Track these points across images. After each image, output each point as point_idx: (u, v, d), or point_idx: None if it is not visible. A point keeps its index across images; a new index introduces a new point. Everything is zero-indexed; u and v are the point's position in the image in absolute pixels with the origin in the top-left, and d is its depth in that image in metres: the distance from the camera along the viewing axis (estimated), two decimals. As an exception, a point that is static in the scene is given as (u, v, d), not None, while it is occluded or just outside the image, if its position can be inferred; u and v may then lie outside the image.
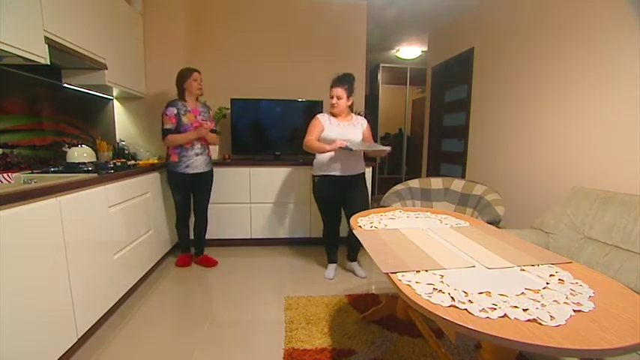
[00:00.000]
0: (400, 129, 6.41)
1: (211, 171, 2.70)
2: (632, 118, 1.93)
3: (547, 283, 1.00)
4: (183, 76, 2.46)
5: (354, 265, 2.56)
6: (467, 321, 0.81)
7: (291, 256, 2.99)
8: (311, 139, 2.29)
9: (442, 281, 1.01)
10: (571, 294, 0.94)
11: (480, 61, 3.45)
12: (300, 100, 3.32)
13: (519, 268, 1.12)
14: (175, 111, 2.42)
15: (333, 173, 2.32)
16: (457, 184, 2.60)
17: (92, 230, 1.73)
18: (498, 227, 1.77)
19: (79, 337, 1.59)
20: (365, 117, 2.53)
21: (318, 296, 2.19)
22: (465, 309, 0.85)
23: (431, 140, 4.56)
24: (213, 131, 2.60)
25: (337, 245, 2.61)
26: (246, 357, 1.64)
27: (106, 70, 2.36)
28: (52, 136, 2.23)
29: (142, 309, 2.07)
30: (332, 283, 2.43)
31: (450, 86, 4.18)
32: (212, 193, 2.77)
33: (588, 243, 1.74)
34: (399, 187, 2.64)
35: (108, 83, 2.40)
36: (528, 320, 0.81)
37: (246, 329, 1.87)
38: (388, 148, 2.23)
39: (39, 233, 1.36)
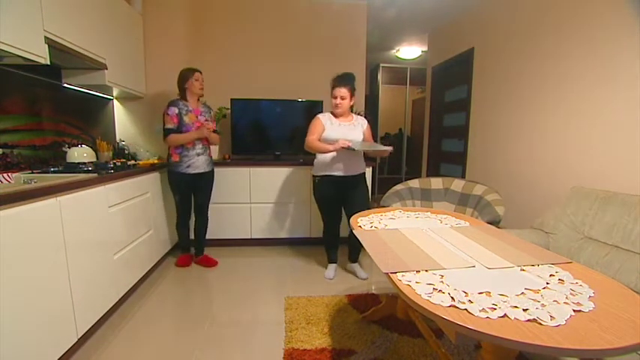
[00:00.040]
0: (400, 129, 6.41)
1: (212, 171, 2.70)
2: (632, 118, 1.93)
3: (547, 283, 1.00)
4: (185, 76, 2.46)
5: (355, 266, 2.56)
6: (467, 321, 0.81)
7: (291, 256, 2.99)
8: (312, 139, 2.29)
9: (442, 281, 1.01)
10: (571, 294, 0.94)
11: (480, 61, 3.45)
12: (300, 100, 3.32)
13: (519, 268, 1.12)
14: (177, 111, 2.42)
15: (335, 173, 2.31)
16: (457, 184, 2.60)
17: (92, 230, 1.73)
18: (498, 227, 1.77)
19: (79, 337, 1.59)
20: (365, 117, 2.53)
21: (318, 296, 2.19)
22: (465, 309, 0.85)
23: (431, 140, 4.56)
24: (214, 131, 2.60)
25: (337, 245, 2.61)
26: (246, 357, 1.64)
27: (106, 70, 2.36)
28: (52, 136, 2.23)
29: (142, 309, 2.07)
30: (332, 283, 2.43)
31: (450, 86, 4.18)
32: (212, 193, 2.77)
33: (588, 243, 1.74)
34: (399, 187, 2.64)
35: (108, 83, 2.40)
36: (528, 320, 0.81)
37: (246, 329, 1.87)
38: (390, 148, 2.22)
39: (39, 233, 1.36)
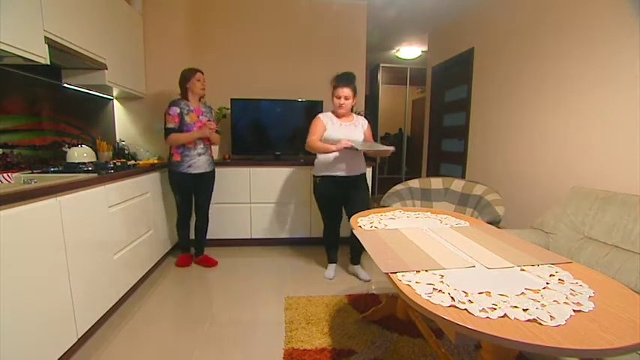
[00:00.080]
0: (400, 129, 6.41)
1: (213, 171, 2.70)
2: (632, 118, 1.93)
3: (547, 283, 1.00)
4: (187, 76, 2.47)
5: (357, 268, 2.54)
6: (467, 321, 0.81)
7: (291, 256, 2.99)
8: (314, 139, 2.28)
9: (442, 281, 1.01)
10: (571, 294, 0.94)
11: (480, 61, 3.45)
12: (300, 100, 3.32)
13: (519, 268, 1.12)
14: (178, 110, 2.42)
15: (337, 174, 2.30)
16: (457, 184, 2.59)
17: (92, 230, 1.73)
18: (498, 227, 1.77)
19: (79, 337, 1.59)
20: (365, 117, 2.53)
21: (318, 296, 2.19)
22: (465, 309, 0.85)
23: (431, 140, 4.56)
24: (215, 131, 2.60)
25: (337, 245, 2.61)
26: (246, 357, 1.64)
27: (106, 70, 2.36)
28: (52, 136, 2.23)
29: (142, 309, 2.07)
30: (332, 283, 2.43)
31: (450, 86, 4.18)
32: (213, 193, 2.77)
33: (588, 243, 1.74)
34: (399, 187, 2.64)
35: (108, 83, 2.40)
36: (528, 320, 0.81)
37: (246, 329, 1.87)
38: (391, 148, 2.22)
39: (39, 233, 1.36)
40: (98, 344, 1.71)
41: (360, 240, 1.42)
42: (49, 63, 1.74)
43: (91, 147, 2.40)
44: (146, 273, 2.39)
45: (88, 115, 2.64)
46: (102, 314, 1.81)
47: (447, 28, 4.13)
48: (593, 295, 0.94)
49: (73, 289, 1.55)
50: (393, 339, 1.74)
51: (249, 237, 3.15)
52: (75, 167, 2.11)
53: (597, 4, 2.14)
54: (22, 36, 1.56)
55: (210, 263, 2.73)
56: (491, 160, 3.27)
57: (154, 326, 1.90)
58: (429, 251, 1.26)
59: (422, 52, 5.16)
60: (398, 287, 1.00)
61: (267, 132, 3.34)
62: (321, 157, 2.33)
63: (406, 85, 6.09)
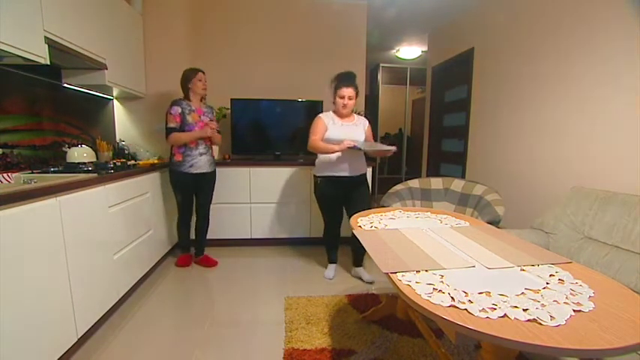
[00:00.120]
0: (400, 129, 6.41)
1: (214, 171, 2.70)
2: (633, 118, 1.93)
3: (547, 283, 1.00)
4: (188, 77, 2.47)
5: (360, 270, 2.50)
6: (467, 321, 0.81)
7: (291, 256, 2.99)
8: (316, 139, 2.27)
9: (442, 281, 1.01)
10: (571, 294, 0.94)
11: (480, 61, 3.45)
12: (300, 100, 3.32)
13: (519, 268, 1.12)
14: (180, 110, 2.42)
15: (340, 174, 2.30)
16: (457, 184, 2.59)
17: (92, 230, 1.73)
18: (498, 227, 1.77)
19: (79, 337, 1.59)
20: (365, 117, 2.52)
21: (318, 296, 2.19)
22: (465, 309, 0.85)
23: (431, 140, 4.56)
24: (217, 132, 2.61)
25: (337, 245, 2.60)
26: (246, 357, 1.64)
27: (106, 70, 2.36)
28: (52, 136, 2.23)
29: (142, 309, 2.07)
30: (332, 283, 2.43)
31: (450, 86, 4.18)
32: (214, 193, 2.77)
33: (588, 243, 1.74)
34: (399, 187, 2.64)
35: (108, 83, 2.40)
36: (528, 320, 0.81)
37: (246, 329, 1.87)
38: (393, 148, 2.22)
39: (39, 233, 1.36)
40: (98, 344, 1.71)
41: (360, 240, 1.42)
42: (49, 63, 1.74)
43: (91, 147, 2.40)
44: (146, 273, 2.39)
45: (88, 115, 2.64)
46: (102, 314, 1.81)
47: (447, 28, 4.13)
48: (593, 295, 0.94)
49: (73, 289, 1.55)
50: (393, 339, 1.74)
51: (249, 237, 3.15)
52: (75, 167, 2.11)
53: (597, 4, 2.14)
54: (22, 36, 1.56)
55: (210, 263, 2.73)
56: (491, 160, 3.27)
57: (154, 326, 1.90)
58: (429, 251, 1.26)
59: (422, 52, 5.16)
60: (398, 287, 1.00)
61: (267, 132, 3.34)
62: (322, 157, 2.32)
63: (406, 85, 6.09)
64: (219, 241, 3.08)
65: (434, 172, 4.47)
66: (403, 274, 1.07)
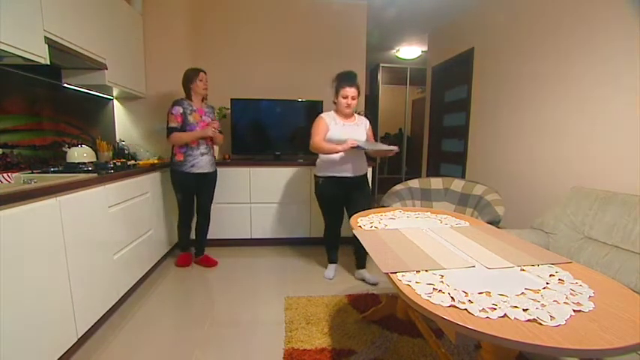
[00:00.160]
0: (400, 129, 6.41)
1: (215, 171, 2.70)
2: (633, 118, 1.92)
3: (547, 283, 1.00)
4: (190, 77, 2.47)
5: (364, 272, 2.48)
6: (467, 321, 0.81)
7: (291, 256, 2.99)
8: (319, 139, 2.25)
9: (442, 281, 1.01)
10: (571, 294, 0.94)
11: (480, 61, 3.45)
12: (300, 100, 3.32)
13: (519, 268, 1.12)
14: (181, 110, 2.42)
15: (341, 174, 2.29)
16: (457, 184, 2.59)
17: (92, 230, 1.73)
18: (498, 227, 1.77)
19: (79, 337, 1.59)
20: (365, 117, 2.52)
21: (318, 296, 2.19)
22: (465, 309, 0.85)
23: (431, 140, 4.56)
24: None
25: (338, 246, 2.60)
26: (246, 357, 1.64)
27: (106, 70, 2.35)
28: (52, 136, 2.23)
29: (142, 309, 2.07)
30: (332, 283, 2.43)
31: (450, 86, 4.18)
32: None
33: (588, 243, 1.74)
34: (399, 187, 2.64)
35: (108, 83, 2.40)
36: (528, 320, 0.81)
37: (246, 329, 1.87)
38: (396, 148, 2.22)
39: (39, 233, 1.36)
40: (98, 344, 1.71)
41: (360, 240, 1.42)
42: (49, 63, 1.74)
43: (91, 147, 2.40)
44: (146, 273, 2.39)
45: (88, 115, 2.64)
46: (102, 314, 1.81)
47: (447, 28, 4.13)
48: (593, 295, 0.94)
49: (73, 289, 1.55)
50: (393, 339, 1.74)
51: (249, 237, 3.15)
52: (75, 167, 2.11)
53: (597, 4, 2.14)
54: (22, 36, 1.56)
55: (210, 263, 2.73)
56: (492, 160, 3.27)
57: (154, 326, 1.90)
58: (429, 251, 1.26)
59: (422, 52, 5.16)
60: (398, 287, 1.00)
61: (267, 132, 3.34)
62: (325, 157, 2.31)
63: (406, 85, 6.09)
64: (219, 241, 3.08)
65: (434, 172, 4.47)
66: (403, 274, 1.07)
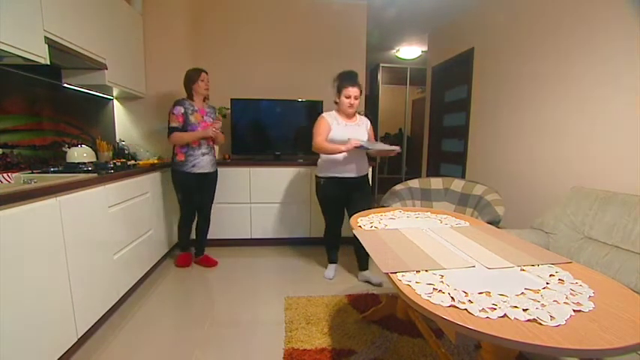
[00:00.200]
0: (400, 129, 6.41)
1: (216, 172, 2.71)
2: (633, 119, 1.92)
3: (547, 283, 1.00)
4: (191, 77, 2.47)
5: (367, 273, 2.46)
6: (467, 321, 0.81)
7: (291, 256, 2.99)
8: (321, 139, 2.23)
9: (442, 281, 1.01)
10: (571, 294, 0.94)
11: (480, 61, 3.45)
12: (300, 100, 3.32)
13: (519, 268, 1.12)
14: (183, 110, 2.42)
15: (344, 175, 2.28)
16: (457, 184, 2.59)
17: (92, 230, 1.73)
18: (498, 227, 1.77)
19: (78, 337, 1.59)
20: (366, 117, 2.52)
21: (318, 296, 2.19)
22: (465, 309, 0.85)
23: (431, 140, 4.56)
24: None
25: (338, 246, 2.60)
26: (246, 357, 1.64)
27: (106, 70, 2.35)
28: (52, 136, 2.23)
29: (142, 309, 2.07)
30: (332, 283, 2.43)
31: (450, 86, 4.18)
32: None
33: (588, 243, 1.74)
34: (399, 187, 2.64)
35: (108, 83, 2.40)
36: (528, 320, 0.81)
37: (246, 329, 1.87)
38: (398, 148, 2.21)
39: (39, 233, 1.36)
40: (98, 344, 1.71)
41: (360, 240, 1.42)
42: (49, 63, 1.74)
43: (91, 147, 2.40)
44: (146, 273, 2.39)
45: (88, 115, 2.64)
46: (102, 314, 1.81)
47: (447, 28, 4.13)
48: (593, 295, 0.94)
49: (73, 289, 1.55)
50: (393, 339, 1.74)
51: (249, 237, 3.15)
52: (75, 167, 2.11)
53: (597, 4, 2.14)
54: (22, 36, 1.56)
55: (210, 263, 2.73)
56: (492, 160, 3.27)
57: (154, 326, 1.90)
58: (429, 251, 1.26)
59: (422, 52, 5.16)
60: (398, 287, 1.00)
61: (267, 132, 3.34)
62: (327, 157, 2.29)
63: (406, 85, 6.09)
64: (219, 241, 3.08)
65: (434, 172, 4.47)
66: (403, 274, 1.07)
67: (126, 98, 3.01)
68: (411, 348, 1.66)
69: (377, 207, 2.11)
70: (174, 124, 2.41)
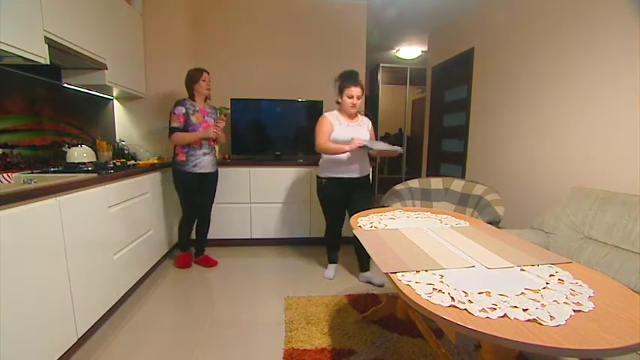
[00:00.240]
0: (400, 129, 6.41)
1: (217, 171, 2.71)
2: (633, 119, 1.92)
3: (547, 283, 1.00)
4: (193, 77, 2.47)
5: (369, 274, 2.46)
6: (467, 321, 0.81)
7: (291, 256, 2.99)
8: (324, 140, 2.22)
9: (442, 281, 1.01)
10: (571, 294, 0.94)
11: (480, 61, 3.45)
12: (300, 100, 3.32)
13: (519, 268, 1.12)
14: (184, 110, 2.42)
15: (347, 175, 2.27)
16: (457, 184, 2.59)
17: (92, 230, 1.73)
18: (498, 227, 1.77)
19: (78, 337, 1.59)
20: (366, 117, 2.52)
21: (318, 296, 2.19)
22: (465, 309, 0.85)
23: (431, 140, 4.56)
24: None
25: (339, 246, 2.60)
26: (246, 357, 1.64)
27: (106, 70, 2.36)
28: (52, 136, 2.23)
29: (142, 309, 2.07)
30: (332, 283, 2.43)
31: (450, 86, 4.18)
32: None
33: (588, 243, 1.74)
34: (399, 187, 2.64)
35: (108, 83, 2.40)
36: (528, 320, 0.81)
37: (246, 329, 1.87)
38: (400, 149, 2.21)
39: (39, 233, 1.36)
40: (98, 344, 1.71)
41: (360, 240, 1.42)
42: (49, 63, 1.74)
43: (91, 147, 2.40)
44: (146, 273, 2.39)
45: (88, 115, 2.64)
46: (102, 314, 1.81)
47: (447, 28, 4.13)
48: (593, 295, 0.94)
49: (73, 289, 1.55)
50: (393, 339, 1.74)
51: (249, 237, 3.15)
52: (75, 167, 2.11)
53: (597, 4, 2.13)
54: (22, 36, 1.56)
55: (210, 263, 2.73)
56: (492, 160, 3.27)
57: (154, 326, 1.90)
58: (429, 251, 1.26)
59: (422, 52, 5.16)
60: (398, 287, 1.00)
61: (267, 132, 3.34)
62: (330, 157, 2.28)
63: (406, 85, 6.09)
64: (219, 241, 3.08)
65: (434, 172, 4.47)
66: (403, 274, 1.07)
67: (126, 98, 3.01)
68: (411, 348, 1.66)
69: (377, 207, 2.11)
70: (175, 124, 2.41)
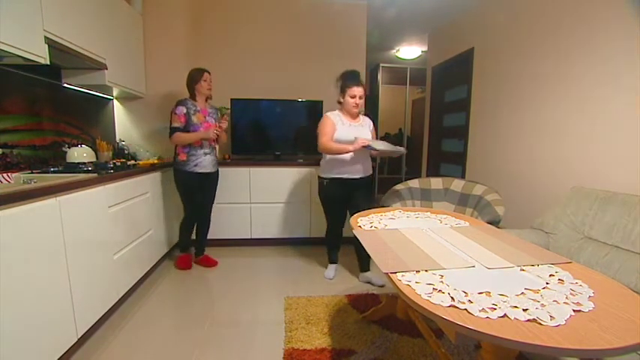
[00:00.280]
0: (400, 129, 6.41)
1: (217, 171, 2.71)
2: (633, 119, 1.92)
3: (547, 283, 1.00)
4: (194, 77, 2.47)
5: (369, 274, 2.45)
6: (467, 321, 0.81)
7: (291, 256, 2.99)
8: (327, 139, 2.21)
9: (442, 281, 1.01)
10: (571, 294, 0.94)
11: (480, 61, 3.45)
12: (300, 100, 3.32)
13: (519, 268, 1.12)
14: (185, 110, 2.42)
15: (349, 175, 2.27)
16: (457, 184, 2.59)
17: (92, 230, 1.73)
18: (498, 227, 1.77)
19: (78, 337, 1.59)
20: (367, 117, 2.51)
21: (318, 296, 2.19)
22: (465, 309, 0.85)
23: (431, 140, 4.56)
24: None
25: (339, 246, 2.60)
26: (246, 357, 1.64)
27: (106, 70, 2.36)
28: (52, 136, 2.23)
29: (142, 309, 2.07)
30: (332, 283, 2.43)
31: (450, 86, 4.18)
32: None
33: (588, 243, 1.74)
34: (398, 187, 2.64)
35: (108, 83, 2.40)
36: (528, 320, 0.81)
37: (246, 329, 1.87)
38: (403, 149, 2.20)
39: (39, 233, 1.36)
40: (98, 344, 1.71)
41: (360, 240, 1.42)
42: (49, 63, 1.74)
43: (91, 147, 2.40)
44: (146, 273, 2.39)
45: (88, 115, 2.64)
46: (102, 314, 1.81)
47: (447, 28, 4.13)
48: (593, 295, 0.94)
49: (73, 289, 1.55)
50: (393, 339, 1.74)
51: (249, 237, 3.15)
52: (75, 167, 2.11)
53: (597, 4, 2.13)
54: (22, 36, 1.56)
55: (210, 263, 2.73)
56: (492, 160, 3.27)
57: (154, 326, 1.90)
58: (429, 251, 1.26)
59: (422, 52, 5.16)
60: (398, 287, 1.00)
61: (267, 132, 3.34)
62: (333, 158, 2.27)
63: (406, 85, 6.09)
64: (219, 241, 3.08)
65: (434, 172, 4.47)
66: (403, 274, 1.07)
67: (126, 98, 3.01)
68: (411, 348, 1.66)
69: (377, 207, 2.11)
70: (176, 124, 2.41)
